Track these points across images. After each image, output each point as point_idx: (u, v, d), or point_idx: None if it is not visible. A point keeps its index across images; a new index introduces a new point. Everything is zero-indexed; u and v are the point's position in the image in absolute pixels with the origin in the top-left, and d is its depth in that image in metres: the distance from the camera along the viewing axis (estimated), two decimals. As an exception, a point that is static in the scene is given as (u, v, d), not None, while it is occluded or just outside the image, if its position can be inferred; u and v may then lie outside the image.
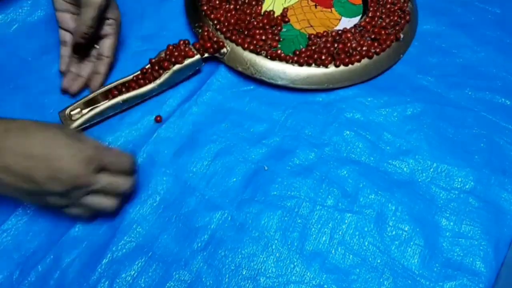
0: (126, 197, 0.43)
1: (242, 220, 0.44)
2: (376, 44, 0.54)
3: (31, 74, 0.51)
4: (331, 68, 0.52)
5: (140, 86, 0.49)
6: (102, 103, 0.48)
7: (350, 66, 0.52)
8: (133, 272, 0.41)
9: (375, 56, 0.53)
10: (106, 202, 0.39)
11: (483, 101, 0.52)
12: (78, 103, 0.47)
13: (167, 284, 0.40)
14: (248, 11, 0.55)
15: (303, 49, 0.52)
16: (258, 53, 0.52)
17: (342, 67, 0.52)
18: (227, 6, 0.55)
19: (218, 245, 0.42)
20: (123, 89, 0.49)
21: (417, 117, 0.51)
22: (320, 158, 0.48)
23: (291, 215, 0.44)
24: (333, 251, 0.43)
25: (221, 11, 0.54)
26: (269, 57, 0.51)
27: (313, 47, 0.53)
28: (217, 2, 0.55)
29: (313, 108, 0.51)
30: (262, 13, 0.56)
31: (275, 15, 0.56)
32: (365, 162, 0.48)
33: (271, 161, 0.47)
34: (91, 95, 0.48)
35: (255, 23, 0.54)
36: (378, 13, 0.56)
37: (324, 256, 0.42)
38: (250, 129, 0.49)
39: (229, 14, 0.54)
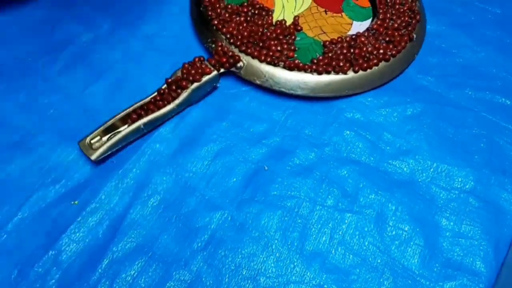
0: None
1: (242, 220, 0.44)
2: (391, 46, 0.53)
3: (31, 74, 0.51)
4: (350, 74, 0.51)
5: (159, 107, 0.48)
6: (122, 128, 0.47)
7: (368, 70, 0.52)
8: (133, 272, 0.41)
9: (391, 58, 0.53)
10: None
11: (483, 101, 0.52)
12: (97, 131, 0.46)
13: (167, 284, 0.40)
14: (259, 22, 0.54)
15: (320, 57, 0.52)
16: (275, 65, 0.51)
17: (360, 72, 0.52)
18: (238, 18, 0.54)
19: (218, 245, 0.42)
20: (142, 113, 0.48)
21: (417, 117, 0.51)
22: (320, 158, 0.48)
23: (291, 215, 0.44)
24: (333, 251, 0.43)
25: (233, 24, 0.53)
26: (287, 67, 0.51)
27: (330, 54, 0.52)
28: (227, 15, 0.54)
29: (313, 108, 0.51)
30: (274, 23, 0.55)
31: (287, 24, 0.56)
32: (365, 162, 0.48)
33: (271, 161, 0.47)
34: (110, 122, 0.47)
35: (268, 34, 0.53)
36: (388, 15, 0.56)
37: (324, 256, 0.42)
38: (250, 129, 0.49)
39: (241, 27, 0.53)
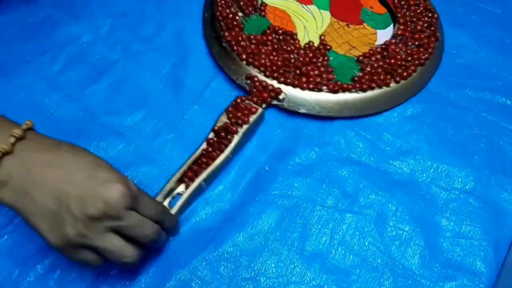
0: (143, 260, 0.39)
1: (243, 220, 0.44)
2: (422, 49, 0.53)
3: (31, 74, 0.51)
4: (393, 86, 0.51)
5: (213, 158, 0.45)
6: (181, 190, 0.44)
7: (408, 78, 0.51)
8: (133, 272, 0.41)
9: (426, 62, 0.52)
10: (127, 249, 0.35)
11: (483, 101, 0.52)
12: (157, 198, 0.43)
13: (167, 284, 0.40)
14: (288, 48, 0.52)
15: (360, 74, 0.51)
16: (319, 90, 0.49)
17: (402, 82, 0.51)
18: (266, 48, 0.52)
19: (218, 245, 0.42)
20: (196, 168, 0.45)
21: (417, 117, 0.51)
22: (321, 158, 0.48)
23: (292, 215, 0.44)
24: (333, 251, 0.43)
25: (263, 56, 0.51)
26: (331, 91, 0.49)
27: (368, 69, 0.51)
28: (253, 46, 0.52)
29: (313, 108, 0.51)
30: (302, 47, 0.53)
31: (315, 45, 0.54)
32: (366, 162, 0.48)
33: (272, 160, 0.47)
34: (167, 186, 0.43)
35: (301, 59, 0.51)
36: (408, 18, 0.56)
37: (324, 256, 0.42)
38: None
39: (272, 57, 0.51)
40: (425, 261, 0.42)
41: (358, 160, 0.48)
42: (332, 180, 0.46)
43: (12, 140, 0.33)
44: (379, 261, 0.42)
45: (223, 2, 0.56)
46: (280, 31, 0.54)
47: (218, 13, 0.54)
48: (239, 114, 0.47)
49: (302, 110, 0.49)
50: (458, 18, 0.60)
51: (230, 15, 0.54)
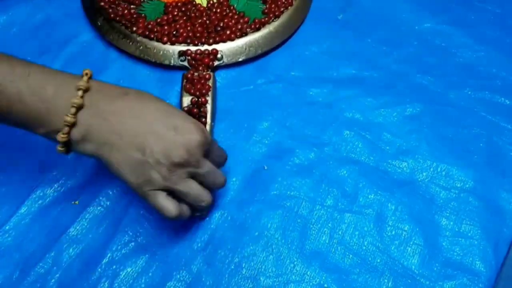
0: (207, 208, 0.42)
1: (242, 220, 0.44)
2: None
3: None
4: (295, 3, 0.57)
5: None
6: None
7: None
8: (133, 272, 0.41)
9: None
10: (203, 193, 0.38)
11: (483, 101, 0.52)
12: None
13: (167, 284, 0.40)
14: (196, 14, 0.54)
15: (266, 6, 0.56)
16: (246, 34, 0.54)
17: None
18: (178, 23, 0.54)
19: (218, 245, 0.42)
20: None
21: (417, 117, 0.51)
22: (320, 158, 0.48)
23: (291, 215, 0.44)
24: (333, 251, 0.43)
25: (181, 30, 0.53)
26: (255, 30, 0.54)
27: None
28: (166, 27, 0.53)
29: (313, 108, 0.51)
30: (207, 7, 0.55)
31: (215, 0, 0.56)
32: (365, 162, 0.48)
33: (271, 160, 0.47)
34: None
35: (213, 17, 0.54)
36: None
37: (324, 256, 0.42)
38: (250, 128, 0.49)
39: (188, 28, 0.53)
40: (424, 261, 0.42)
41: (357, 160, 0.48)
42: (332, 180, 0.46)
43: (81, 93, 0.35)
44: (378, 260, 0.42)
45: (109, 2, 0.55)
46: (179, 4, 0.55)
47: (113, 15, 0.54)
48: (198, 86, 0.49)
49: (241, 58, 0.53)
50: (457, 17, 0.60)
51: (125, 11, 0.54)
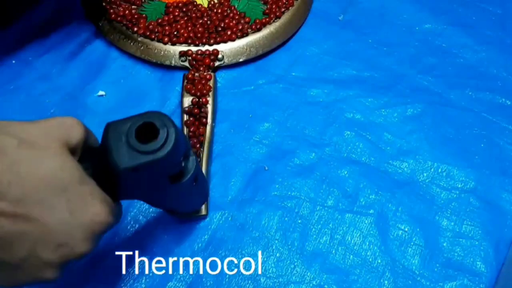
0: None
1: (242, 220, 0.44)
2: None
3: (31, 74, 0.51)
4: (296, 3, 0.57)
5: (201, 134, 0.48)
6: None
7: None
8: (133, 271, 0.41)
9: None
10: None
11: (484, 102, 0.52)
12: None
13: (168, 284, 0.40)
14: (197, 14, 0.54)
15: (267, 6, 0.56)
16: (246, 34, 0.54)
17: None
18: (179, 24, 0.54)
19: (218, 245, 0.42)
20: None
21: (418, 117, 0.51)
22: (321, 159, 0.48)
23: (292, 215, 0.44)
24: (333, 251, 0.43)
25: (182, 31, 0.53)
26: (256, 30, 0.54)
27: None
28: (167, 28, 0.53)
29: (313, 108, 0.51)
30: (208, 8, 0.55)
31: (215, 1, 0.56)
32: (366, 163, 0.48)
33: (271, 161, 0.47)
34: None
35: (214, 17, 0.54)
36: None
37: (325, 257, 0.42)
38: (250, 129, 0.49)
39: (189, 28, 0.53)
40: (425, 261, 0.42)
41: (358, 160, 0.48)
42: (332, 180, 0.46)
43: None
44: (379, 261, 0.42)
45: (110, 2, 0.55)
46: (180, 4, 0.55)
47: (113, 16, 0.54)
48: (199, 86, 0.50)
49: (242, 59, 0.53)
50: (458, 18, 0.60)
51: (127, 11, 0.54)
